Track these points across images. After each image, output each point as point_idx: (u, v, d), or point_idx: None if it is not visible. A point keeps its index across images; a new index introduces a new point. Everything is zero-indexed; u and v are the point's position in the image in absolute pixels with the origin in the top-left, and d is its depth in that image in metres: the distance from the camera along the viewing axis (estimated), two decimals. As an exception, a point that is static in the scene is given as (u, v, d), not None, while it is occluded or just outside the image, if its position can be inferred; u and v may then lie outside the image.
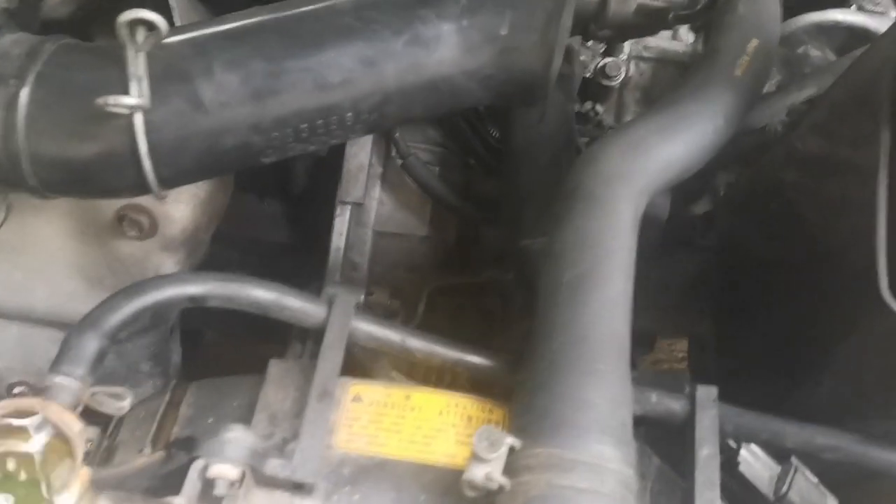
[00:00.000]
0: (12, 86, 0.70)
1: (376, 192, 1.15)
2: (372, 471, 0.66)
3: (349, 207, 1.13)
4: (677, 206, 1.08)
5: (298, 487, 0.62)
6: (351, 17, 0.75)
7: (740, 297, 1.08)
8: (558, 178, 0.84)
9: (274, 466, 0.61)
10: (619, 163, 0.77)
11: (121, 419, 0.79)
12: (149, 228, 0.95)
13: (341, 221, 1.12)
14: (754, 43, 0.89)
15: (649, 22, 0.94)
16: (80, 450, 0.51)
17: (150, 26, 0.69)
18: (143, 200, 0.94)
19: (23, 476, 0.48)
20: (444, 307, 1.16)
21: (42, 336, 1.02)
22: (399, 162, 1.13)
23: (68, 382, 0.61)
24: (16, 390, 0.94)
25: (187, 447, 0.71)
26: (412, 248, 1.19)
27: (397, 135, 1.12)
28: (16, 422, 0.50)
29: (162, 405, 0.77)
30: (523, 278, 0.97)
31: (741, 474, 0.75)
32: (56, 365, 0.63)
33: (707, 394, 0.71)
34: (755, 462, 0.75)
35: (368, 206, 1.14)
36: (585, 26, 0.94)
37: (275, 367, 0.73)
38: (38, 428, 0.50)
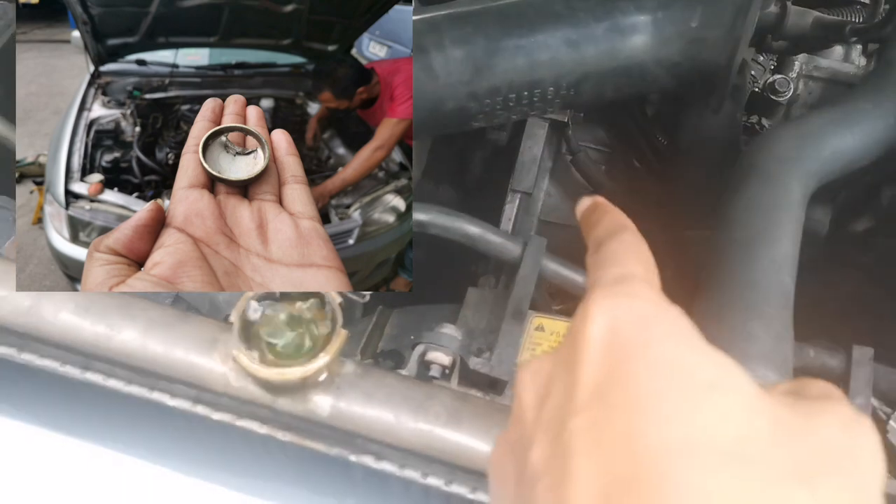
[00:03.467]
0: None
1: (545, 183, 1.25)
2: (552, 386, 0.76)
3: (519, 196, 1.22)
4: (836, 223, 1.10)
5: (493, 385, 0.73)
6: (560, 4, 0.87)
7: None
8: (722, 177, 0.90)
9: (476, 363, 0.72)
10: (791, 146, 0.84)
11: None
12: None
13: (511, 208, 1.22)
14: (930, 56, 0.93)
15: (825, 35, 0.99)
16: (340, 316, 0.64)
17: (396, 5, 0.84)
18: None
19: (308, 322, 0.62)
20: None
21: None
22: (569, 157, 1.23)
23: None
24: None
25: (392, 357, 0.83)
26: (574, 238, 1.28)
27: (570, 132, 1.22)
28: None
29: (369, 326, 0.90)
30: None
31: (890, 443, 0.79)
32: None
33: (863, 353, 0.76)
34: (905, 433, 0.79)
35: (537, 196, 1.24)
36: (763, 37, 1.00)
37: (472, 294, 0.85)
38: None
